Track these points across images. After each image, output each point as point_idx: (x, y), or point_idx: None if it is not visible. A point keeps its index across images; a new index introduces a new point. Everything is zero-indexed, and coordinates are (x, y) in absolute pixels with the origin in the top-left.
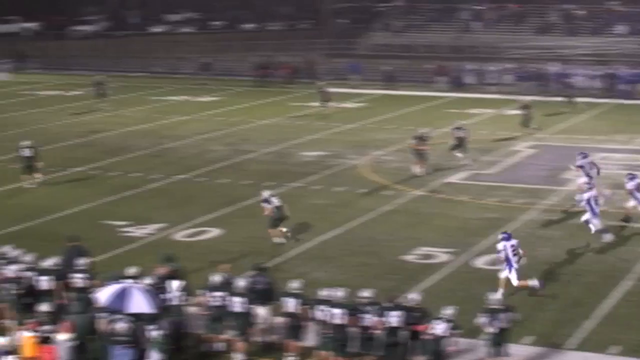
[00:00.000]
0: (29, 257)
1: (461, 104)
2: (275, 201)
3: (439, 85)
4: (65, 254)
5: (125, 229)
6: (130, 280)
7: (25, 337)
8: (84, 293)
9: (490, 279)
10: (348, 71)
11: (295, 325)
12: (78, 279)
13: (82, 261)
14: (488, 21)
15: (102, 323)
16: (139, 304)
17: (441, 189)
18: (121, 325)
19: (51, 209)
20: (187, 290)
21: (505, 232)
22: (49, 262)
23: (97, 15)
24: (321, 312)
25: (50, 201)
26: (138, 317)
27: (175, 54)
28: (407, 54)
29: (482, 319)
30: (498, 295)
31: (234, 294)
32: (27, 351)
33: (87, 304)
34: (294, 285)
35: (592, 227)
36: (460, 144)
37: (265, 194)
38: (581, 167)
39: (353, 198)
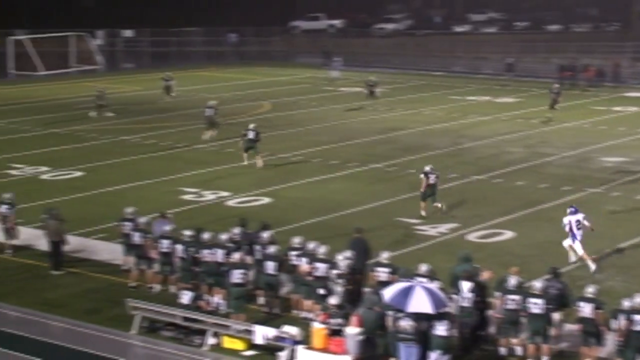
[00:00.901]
0: (322, 249)
1: None
2: (432, 178)
3: None
4: (351, 247)
5: (419, 227)
6: (422, 279)
7: (316, 328)
8: (386, 287)
9: None
10: None
11: (590, 332)
12: (382, 273)
13: (385, 255)
14: None
15: (389, 319)
16: (420, 303)
17: None
18: (405, 323)
19: (347, 203)
20: (479, 292)
21: (572, 206)
22: (341, 257)
23: (400, 14)
24: (619, 320)
25: (347, 196)
26: (422, 316)
27: (477, 54)
28: None
29: None
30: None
31: (531, 295)
32: (317, 342)
33: (379, 299)
34: (590, 289)
35: None
36: None
37: (427, 168)
38: None
39: None
